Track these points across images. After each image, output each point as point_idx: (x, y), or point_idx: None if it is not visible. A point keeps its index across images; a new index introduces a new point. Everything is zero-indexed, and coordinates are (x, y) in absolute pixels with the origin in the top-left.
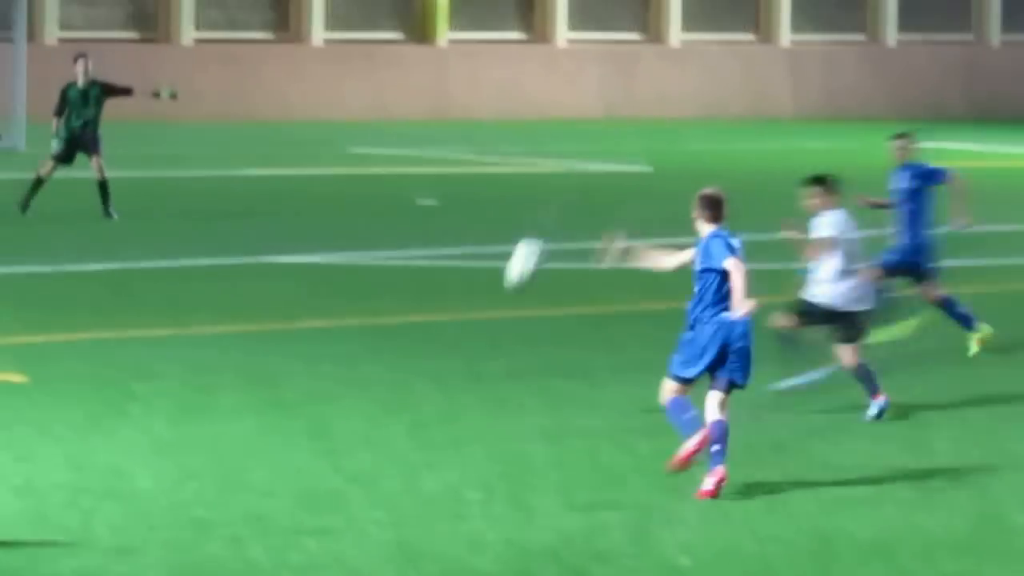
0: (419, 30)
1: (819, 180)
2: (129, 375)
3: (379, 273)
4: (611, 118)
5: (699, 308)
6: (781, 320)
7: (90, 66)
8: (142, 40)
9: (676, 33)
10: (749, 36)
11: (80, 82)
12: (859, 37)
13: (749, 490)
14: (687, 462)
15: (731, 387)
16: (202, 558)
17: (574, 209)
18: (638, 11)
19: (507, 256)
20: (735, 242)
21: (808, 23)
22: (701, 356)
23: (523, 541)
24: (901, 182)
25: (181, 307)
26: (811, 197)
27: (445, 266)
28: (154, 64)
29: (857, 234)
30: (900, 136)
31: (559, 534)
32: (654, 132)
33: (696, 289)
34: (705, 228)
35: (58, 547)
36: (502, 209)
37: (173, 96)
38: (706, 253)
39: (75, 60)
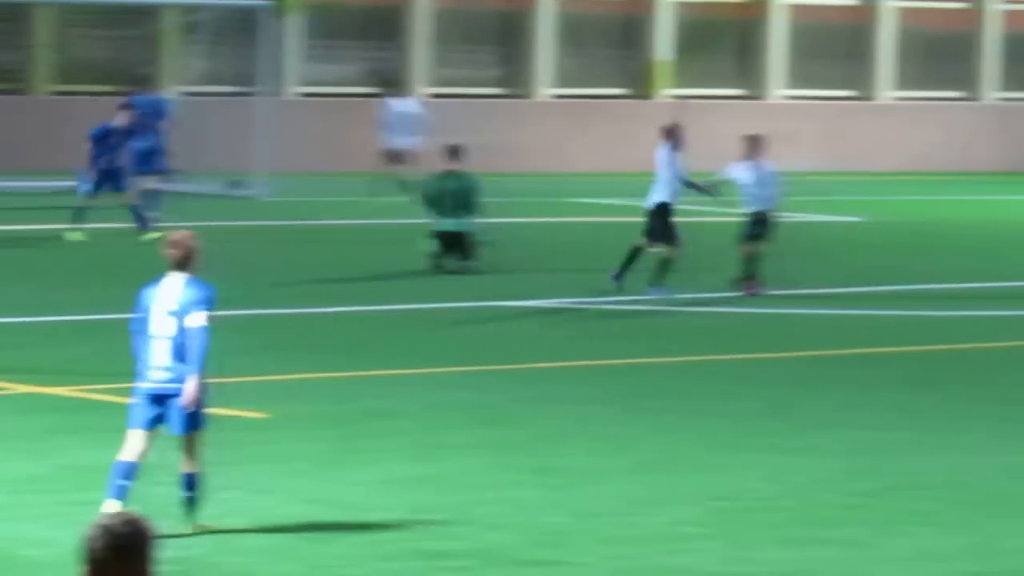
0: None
1: None
2: (364, 414)
3: (605, 317)
4: (823, 172)
5: None
6: None
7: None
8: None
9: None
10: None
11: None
12: None
13: None
14: None
15: None
16: None
17: (797, 258)
18: (850, 71)
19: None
20: None
21: None
22: None
23: (735, 575)
24: None
25: (419, 350)
26: None
27: (662, 310)
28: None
29: None
30: None
31: (770, 568)
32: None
33: None
34: None
35: None
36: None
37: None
38: None
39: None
